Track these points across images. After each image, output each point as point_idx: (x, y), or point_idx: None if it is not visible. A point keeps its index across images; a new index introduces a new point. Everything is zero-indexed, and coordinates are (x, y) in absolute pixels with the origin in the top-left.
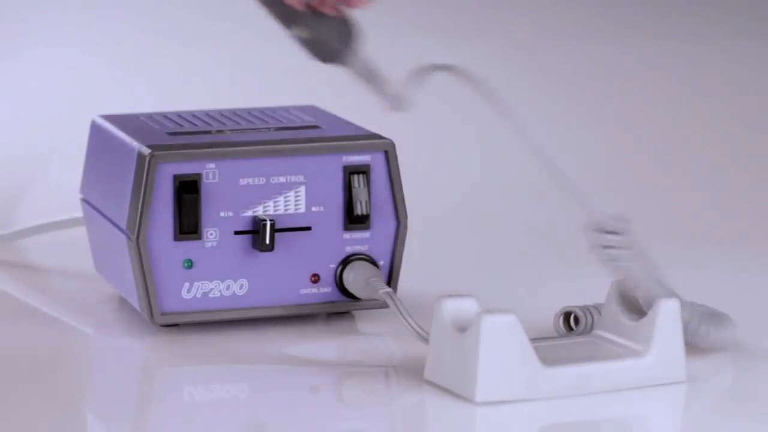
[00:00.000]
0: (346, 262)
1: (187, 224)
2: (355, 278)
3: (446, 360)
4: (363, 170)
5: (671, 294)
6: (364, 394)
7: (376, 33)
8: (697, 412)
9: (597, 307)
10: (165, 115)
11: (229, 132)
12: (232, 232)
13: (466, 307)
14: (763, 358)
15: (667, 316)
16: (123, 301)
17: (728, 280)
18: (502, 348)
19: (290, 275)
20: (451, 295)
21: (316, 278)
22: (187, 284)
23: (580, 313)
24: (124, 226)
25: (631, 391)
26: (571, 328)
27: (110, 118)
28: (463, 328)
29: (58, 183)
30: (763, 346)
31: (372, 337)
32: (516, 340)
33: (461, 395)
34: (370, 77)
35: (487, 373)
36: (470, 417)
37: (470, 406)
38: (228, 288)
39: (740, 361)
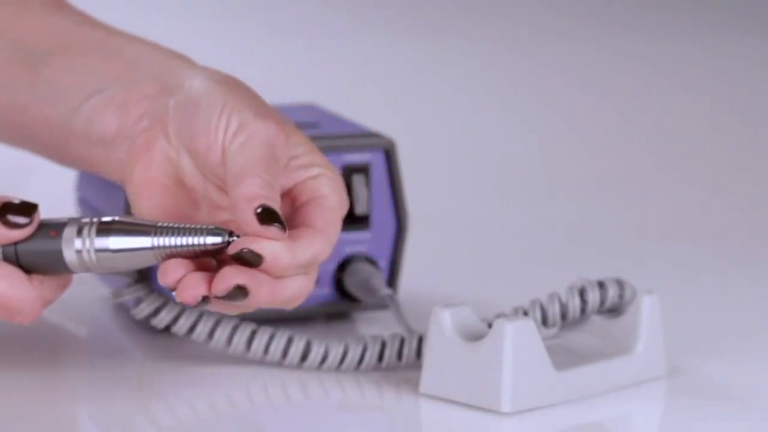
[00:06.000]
0: (345, 263)
1: None
2: (354, 280)
3: (453, 371)
4: (363, 169)
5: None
6: (365, 398)
7: (375, 33)
8: (688, 405)
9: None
10: None
11: None
12: None
13: (465, 315)
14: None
15: (651, 310)
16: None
17: (726, 280)
18: (524, 354)
19: None
20: (447, 305)
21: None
22: None
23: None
24: None
25: (623, 389)
26: None
27: None
28: (467, 337)
29: (53, 180)
30: (760, 345)
31: None
32: (535, 346)
33: (480, 406)
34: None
35: (513, 382)
36: (478, 427)
37: (479, 414)
38: None
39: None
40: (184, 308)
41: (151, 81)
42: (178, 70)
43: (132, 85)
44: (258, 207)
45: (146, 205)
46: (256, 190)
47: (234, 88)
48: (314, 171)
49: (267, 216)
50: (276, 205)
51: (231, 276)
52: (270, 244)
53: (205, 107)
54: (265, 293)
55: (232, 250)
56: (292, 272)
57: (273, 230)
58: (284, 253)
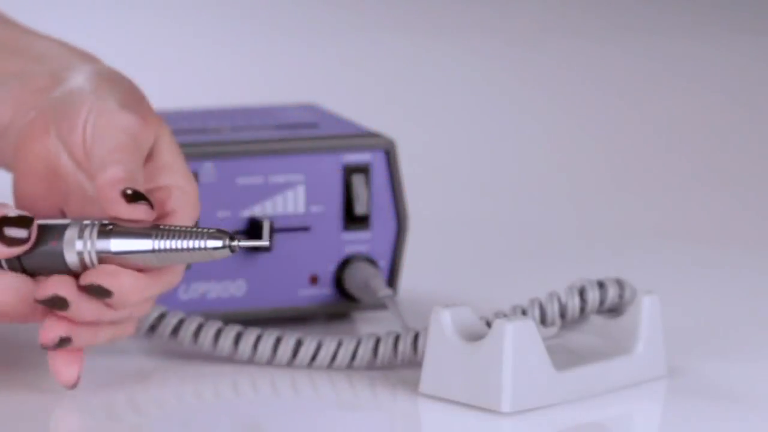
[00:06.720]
0: (345, 263)
1: None
2: (354, 280)
3: (453, 372)
4: (363, 169)
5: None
6: (363, 398)
7: (375, 33)
8: (691, 405)
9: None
10: (163, 113)
11: (226, 130)
12: None
13: (465, 315)
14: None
15: (650, 310)
16: None
17: (727, 279)
18: (524, 354)
19: (289, 276)
20: (447, 305)
21: (314, 279)
22: (183, 285)
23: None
24: None
25: (623, 389)
26: None
27: None
28: (467, 337)
29: None
30: (760, 345)
31: None
32: (535, 346)
33: (480, 406)
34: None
35: (513, 382)
36: (480, 426)
37: (479, 414)
38: (226, 289)
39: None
40: (166, 311)
41: (46, 75)
42: (73, 66)
43: (29, 79)
44: (124, 189)
45: (21, 193)
46: (120, 174)
47: (110, 81)
48: (166, 179)
49: (134, 196)
50: (140, 188)
51: (52, 329)
52: (120, 281)
53: (76, 99)
54: (83, 341)
55: (83, 281)
56: (141, 305)
57: (142, 209)
58: (133, 291)
